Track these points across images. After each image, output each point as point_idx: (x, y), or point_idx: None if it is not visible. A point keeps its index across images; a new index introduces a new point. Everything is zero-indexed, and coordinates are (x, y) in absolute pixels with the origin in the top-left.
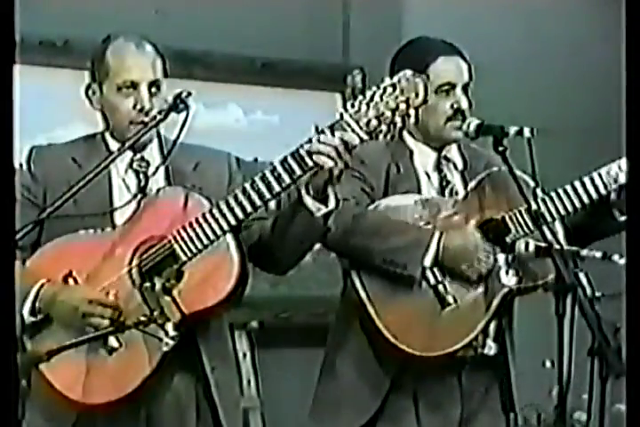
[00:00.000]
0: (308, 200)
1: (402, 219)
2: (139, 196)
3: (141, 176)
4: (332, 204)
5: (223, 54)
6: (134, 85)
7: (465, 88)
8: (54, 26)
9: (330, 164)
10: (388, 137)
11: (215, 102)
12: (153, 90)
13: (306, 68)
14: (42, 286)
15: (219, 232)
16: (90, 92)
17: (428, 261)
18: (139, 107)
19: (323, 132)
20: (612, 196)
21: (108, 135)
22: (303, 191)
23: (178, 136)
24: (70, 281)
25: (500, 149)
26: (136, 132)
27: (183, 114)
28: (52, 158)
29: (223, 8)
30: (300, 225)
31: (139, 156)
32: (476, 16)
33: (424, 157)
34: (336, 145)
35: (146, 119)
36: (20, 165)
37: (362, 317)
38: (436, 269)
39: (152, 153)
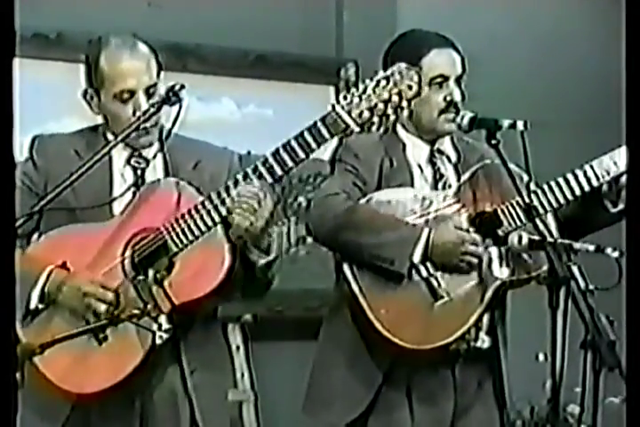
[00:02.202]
0: (252, 251)
1: (394, 213)
2: (132, 189)
3: (138, 172)
4: (272, 254)
5: (216, 47)
6: (132, 93)
7: (458, 80)
8: (48, 18)
9: (243, 222)
10: (381, 130)
11: (209, 95)
12: (151, 91)
13: (299, 61)
14: (51, 271)
15: (210, 224)
16: (87, 97)
17: (417, 258)
18: (138, 113)
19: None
20: (604, 187)
21: (107, 130)
22: (248, 242)
23: (171, 129)
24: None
25: (494, 142)
26: (129, 125)
27: (176, 107)
28: (54, 149)
29: (216, 1)
30: (246, 271)
31: (136, 152)
32: (470, 9)
33: (417, 150)
34: (255, 194)
35: (147, 125)
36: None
37: (354, 310)
38: (428, 263)
39: (151, 148)
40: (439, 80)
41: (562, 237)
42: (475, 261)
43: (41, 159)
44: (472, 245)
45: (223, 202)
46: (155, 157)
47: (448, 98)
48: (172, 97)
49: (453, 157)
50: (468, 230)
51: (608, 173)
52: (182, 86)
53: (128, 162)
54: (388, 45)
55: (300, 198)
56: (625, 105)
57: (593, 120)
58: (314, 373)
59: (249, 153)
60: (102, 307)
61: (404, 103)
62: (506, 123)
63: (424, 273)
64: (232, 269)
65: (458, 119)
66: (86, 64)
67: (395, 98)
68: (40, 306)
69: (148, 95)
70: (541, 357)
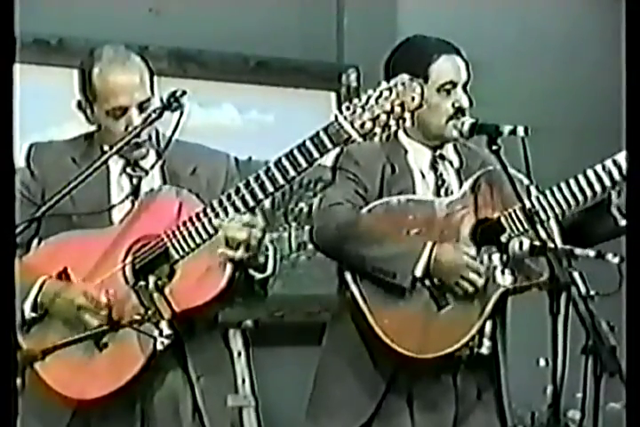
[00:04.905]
0: (249, 266)
1: (396, 221)
2: (130, 198)
3: (135, 181)
4: (269, 270)
5: (218, 53)
6: (124, 110)
7: (464, 86)
8: (49, 24)
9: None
10: (384, 137)
11: (210, 101)
12: (144, 106)
13: (300, 67)
14: (44, 282)
15: (211, 231)
16: (82, 107)
17: (419, 272)
18: (130, 129)
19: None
20: (613, 199)
21: (102, 140)
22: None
23: (172, 135)
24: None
25: (494, 147)
26: (121, 139)
27: (177, 113)
28: (51, 157)
29: (217, 6)
30: (245, 287)
31: (132, 162)
32: (471, 14)
33: (419, 156)
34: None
35: (139, 140)
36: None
37: (356, 317)
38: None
39: (148, 156)
40: (448, 87)
41: (564, 243)
42: (470, 289)
43: (37, 168)
44: (473, 272)
45: (225, 210)
46: (152, 167)
47: (456, 104)
48: (173, 103)
49: (456, 163)
50: (474, 258)
51: (610, 178)
52: (183, 92)
53: (124, 171)
54: (390, 52)
55: (301, 204)
56: (625, 110)
57: (594, 125)
58: (317, 380)
59: (250, 159)
60: (95, 322)
61: (407, 115)
62: (506, 129)
63: (427, 282)
64: (233, 276)
65: (458, 125)
66: (80, 76)
67: (397, 109)
68: (34, 315)
69: (142, 110)
70: (542, 362)
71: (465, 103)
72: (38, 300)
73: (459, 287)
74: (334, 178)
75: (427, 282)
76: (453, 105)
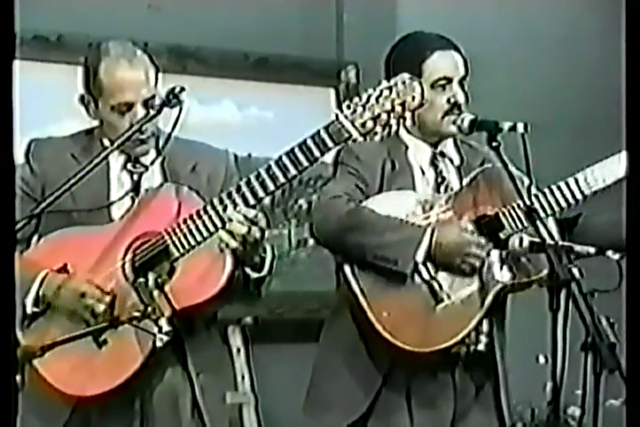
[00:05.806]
0: (247, 268)
1: (395, 215)
2: (130, 194)
3: (135, 177)
4: (265, 270)
5: (217, 49)
6: (130, 106)
7: (461, 82)
8: (48, 21)
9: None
10: (384, 135)
11: (209, 98)
12: (149, 103)
13: (300, 64)
14: (45, 275)
15: (212, 229)
16: (85, 102)
17: (420, 257)
18: (134, 123)
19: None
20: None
21: (103, 135)
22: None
23: (171, 131)
24: None
25: (494, 144)
26: (124, 133)
27: (176, 109)
28: (50, 153)
29: (217, 3)
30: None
31: (133, 158)
32: (471, 11)
33: (420, 153)
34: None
35: (143, 137)
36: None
37: (355, 311)
38: (429, 265)
39: (147, 155)
40: (442, 82)
41: (563, 239)
42: (477, 263)
43: (37, 164)
44: (476, 247)
45: (225, 208)
46: (152, 163)
47: (452, 100)
48: (173, 99)
49: (456, 160)
50: (472, 232)
51: (609, 177)
52: (182, 89)
53: (125, 167)
54: (389, 48)
55: (301, 201)
56: (625, 109)
57: (595, 123)
58: (314, 374)
59: (249, 156)
60: (101, 307)
61: (407, 114)
62: (506, 125)
63: (426, 276)
64: (233, 274)
65: (458, 121)
66: (84, 71)
67: (398, 108)
68: (35, 310)
69: (146, 107)
70: (542, 359)
71: (461, 98)
72: (40, 293)
73: (465, 265)
74: (335, 172)
75: (425, 275)
76: (449, 101)
